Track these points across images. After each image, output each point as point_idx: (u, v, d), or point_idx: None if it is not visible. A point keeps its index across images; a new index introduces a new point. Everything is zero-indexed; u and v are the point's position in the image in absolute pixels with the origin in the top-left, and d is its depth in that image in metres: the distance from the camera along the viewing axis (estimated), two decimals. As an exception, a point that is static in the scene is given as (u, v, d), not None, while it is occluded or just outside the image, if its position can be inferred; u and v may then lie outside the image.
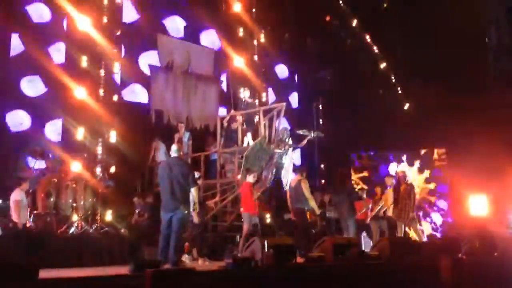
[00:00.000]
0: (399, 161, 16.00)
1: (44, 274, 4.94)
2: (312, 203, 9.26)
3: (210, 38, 14.30)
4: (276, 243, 6.36)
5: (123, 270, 5.78)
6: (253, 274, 5.84)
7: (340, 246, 6.83)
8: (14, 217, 8.45)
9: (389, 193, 10.54)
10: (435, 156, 16.00)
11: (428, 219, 15.50)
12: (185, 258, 8.67)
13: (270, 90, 14.72)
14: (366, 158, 16.32)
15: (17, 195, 8.55)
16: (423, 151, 16.05)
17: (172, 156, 7.35)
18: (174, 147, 7.45)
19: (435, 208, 15.59)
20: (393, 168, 15.78)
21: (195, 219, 8.09)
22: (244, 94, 11.65)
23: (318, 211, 9.63)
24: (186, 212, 7.02)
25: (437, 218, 15.47)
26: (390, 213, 10.38)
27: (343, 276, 6.40)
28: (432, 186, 15.69)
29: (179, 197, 6.95)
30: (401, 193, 10.07)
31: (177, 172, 7.00)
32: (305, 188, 9.19)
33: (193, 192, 7.16)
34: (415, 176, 15.61)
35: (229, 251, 10.50)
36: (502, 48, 15.39)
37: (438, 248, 7.76)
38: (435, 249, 7.73)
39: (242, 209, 9.23)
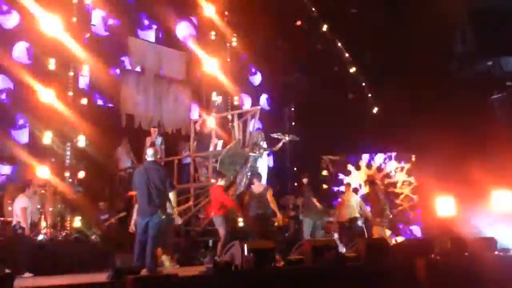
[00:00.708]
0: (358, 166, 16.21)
1: (18, 283, 4.77)
2: (275, 207, 9.25)
3: (182, 41, 14.14)
4: (256, 246, 6.33)
5: (98, 277, 5.63)
6: (234, 278, 5.79)
7: (319, 249, 6.85)
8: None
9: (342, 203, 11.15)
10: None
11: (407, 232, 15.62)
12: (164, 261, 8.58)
13: (243, 93, 14.70)
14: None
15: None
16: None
17: (148, 160, 7.21)
18: (150, 151, 7.31)
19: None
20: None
21: (178, 221, 8.01)
22: (217, 97, 11.61)
23: (280, 215, 9.53)
24: (163, 217, 6.89)
25: (417, 230, 15.56)
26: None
27: (322, 278, 6.42)
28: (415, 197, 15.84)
29: (156, 202, 6.82)
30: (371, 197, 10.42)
31: (155, 176, 6.87)
32: (271, 195, 9.17)
33: (171, 197, 7.05)
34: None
35: (202, 256, 10.42)
36: (466, 55, 15.85)
37: (412, 249, 7.89)
38: (409, 250, 7.86)
39: (212, 214, 8.99)
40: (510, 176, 12.68)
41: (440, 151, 14.34)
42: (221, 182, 9.03)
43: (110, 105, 12.71)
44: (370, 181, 12.79)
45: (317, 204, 10.45)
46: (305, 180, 10.58)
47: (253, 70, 16.03)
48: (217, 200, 8.88)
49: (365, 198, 12.46)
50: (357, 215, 10.96)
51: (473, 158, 13.07)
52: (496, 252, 8.56)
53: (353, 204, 11.02)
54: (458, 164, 13.69)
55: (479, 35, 15.57)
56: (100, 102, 12.68)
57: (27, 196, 8.48)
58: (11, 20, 11.37)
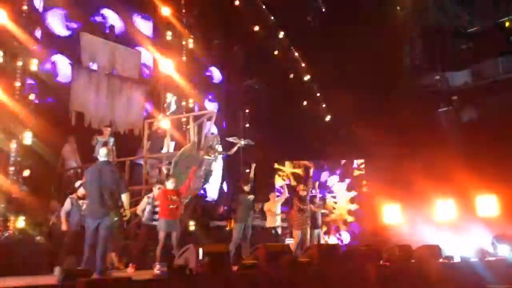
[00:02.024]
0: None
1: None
2: None
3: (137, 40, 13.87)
4: (211, 250, 6.26)
5: (47, 280, 5.40)
6: (189, 282, 5.71)
7: (274, 253, 6.87)
8: None
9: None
10: (355, 165, 16.76)
11: (337, 235, 16.20)
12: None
13: (197, 95, 14.58)
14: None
15: None
16: (343, 161, 16.73)
17: (101, 160, 6.97)
18: (103, 150, 7.05)
19: (344, 227, 16.39)
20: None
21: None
22: (172, 99, 11.46)
23: None
24: (115, 219, 6.69)
25: (345, 236, 16.36)
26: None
27: (277, 282, 6.44)
28: (353, 206, 16.41)
29: (108, 203, 6.60)
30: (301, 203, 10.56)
31: (108, 177, 6.65)
32: None
33: (124, 199, 6.85)
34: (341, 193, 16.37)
35: (152, 260, 10.20)
36: (414, 69, 16.46)
37: (362, 254, 8.05)
38: (360, 255, 8.02)
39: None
40: (453, 186, 13.24)
41: (388, 160, 14.84)
42: (168, 184, 8.62)
43: (59, 101, 12.25)
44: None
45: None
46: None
47: (209, 73, 15.95)
48: (160, 203, 8.61)
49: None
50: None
51: (419, 168, 13.56)
52: (441, 260, 8.87)
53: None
54: (405, 173, 14.16)
55: (427, 49, 16.23)
56: (49, 98, 12.19)
57: None
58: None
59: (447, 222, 13.07)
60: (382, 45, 15.25)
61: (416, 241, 10.66)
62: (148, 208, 8.86)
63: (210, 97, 15.48)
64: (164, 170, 10.30)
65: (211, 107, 14.19)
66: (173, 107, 11.33)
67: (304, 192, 10.63)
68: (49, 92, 12.15)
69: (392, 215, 14.69)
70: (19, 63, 10.67)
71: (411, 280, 7.77)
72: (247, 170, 10.67)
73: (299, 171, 16.71)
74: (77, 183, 9.00)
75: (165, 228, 8.27)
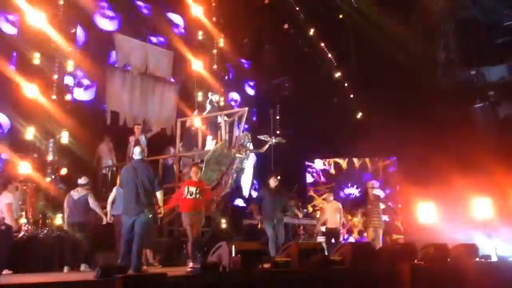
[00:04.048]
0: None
1: (3, 279, 4.67)
2: None
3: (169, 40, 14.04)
4: (243, 248, 6.29)
5: (86, 275, 5.54)
6: (222, 279, 5.76)
7: (306, 251, 6.86)
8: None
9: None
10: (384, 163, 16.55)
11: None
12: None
13: (229, 94, 14.71)
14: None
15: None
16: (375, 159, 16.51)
17: (136, 158, 7.12)
18: (137, 149, 7.22)
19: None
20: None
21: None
22: (211, 97, 11.57)
23: None
24: (150, 216, 6.82)
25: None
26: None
27: (308, 281, 6.43)
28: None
29: (144, 201, 6.75)
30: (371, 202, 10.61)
31: (143, 175, 6.79)
32: None
33: (158, 196, 6.98)
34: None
35: (185, 257, 10.34)
36: (449, 65, 16.10)
37: (396, 253, 7.93)
38: (394, 254, 7.89)
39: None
40: (490, 184, 12.91)
41: (422, 158, 14.55)
42: (194, 176, 8.47)
43: (95, 101, 12.55)
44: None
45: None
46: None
47: (240, 71, 16.02)
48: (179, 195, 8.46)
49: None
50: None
51: (454, 165, 13.28)
52: (477, 259, 8.67)
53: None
54: (439, 171, 13.90)
55: (463, 44, 15.85)
56: (85, 98, 12.49)
57: (10, 191, 8.29)
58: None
59: (484, 220, 12.75)
60: (415, 40, 14.99)
61: (452, 240, 10.47)
62: None
63: (241, 95, 15.53)
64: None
65: (243, 105, 14.20)
66: (208, 107, 11.43)
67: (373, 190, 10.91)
68: (84, 92, 12.46)
69: (427, 214, 14.43)
70: (56, 64, 11.00)
71: (447, 280, 7.60)
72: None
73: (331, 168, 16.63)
74: (80, 180, 9.03)
75: (187, 222, 8.20)
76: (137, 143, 10.76)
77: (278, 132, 15.39)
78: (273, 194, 9.29)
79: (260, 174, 15.29)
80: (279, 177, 9.95)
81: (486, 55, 15.49)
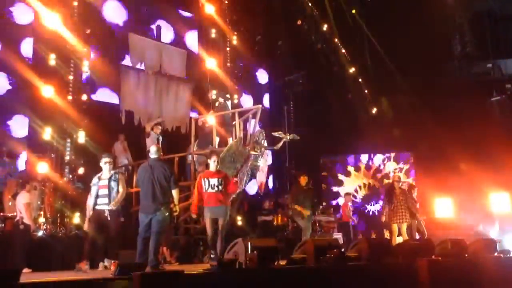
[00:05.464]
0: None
1: (23, 277, 4.74)
2: None
3: (182, 39, 14.09)
4: (259, 244, 6.32)
5: (103, 273, 5.60)
6: (239, 276, 5.79)
7: (321, 248, 6.85)
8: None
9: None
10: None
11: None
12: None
13: (243, 91, 14.71)
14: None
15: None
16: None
17: (152, 157, 7.19)
18: (153, 148, 7.29)
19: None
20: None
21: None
22: (220, 95, 11.60)
23: None
24: (167, 214, 6.88)
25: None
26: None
27: (325, 277, 6.43)
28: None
29: (160, 199, 6.82)
30: (397, 196, 10.40)
31: (160, 173, 6.87)
32: None
33: (174, 194, 7.03)
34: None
35: (202, 254, 10.41)
36: (466, 57, 15.90)
37: (413, 249, 7.88)
38: (411, 250, 7.84)
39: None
40: (508, 178, 12.75)
41: (439, 153, 14.43)
42: (212, 166, 8.10)
43: (110, 101, 12.66)
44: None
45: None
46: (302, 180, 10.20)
47: (253, 69, 16.01)
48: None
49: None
50: None
51: (471, 160, 13.15)
52: (496, 254, 8.56)
53: None
54: (455, 166, 13.77)
55: (479, 37, 15.65)
56: (100, 98, 12.61)
57: (28, 191, 8.43)
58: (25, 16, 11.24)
59: (502, 215, 12.59)
60: (431, 33, 14.83)
61: (469, 235, 10.37)
62: None
63: (254, 92, 15.51)
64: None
65: (256, 102, 14.19)
66: (220, 103, 11.46)
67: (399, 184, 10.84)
68: (99, 92, 12.57)
69: (444, 209, 14.30)
70: (71, 65, 11.11)
71: (465, 275, 7.52)
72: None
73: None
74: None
75: (207, 215, 7.76)
76: (156, 141, 10.78)
77: (292, 128, 15.34)
78: (304, 192, 10.03)
79: (275, 171, 15.34)
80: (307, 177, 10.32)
81: (503, 47, 15.28)
